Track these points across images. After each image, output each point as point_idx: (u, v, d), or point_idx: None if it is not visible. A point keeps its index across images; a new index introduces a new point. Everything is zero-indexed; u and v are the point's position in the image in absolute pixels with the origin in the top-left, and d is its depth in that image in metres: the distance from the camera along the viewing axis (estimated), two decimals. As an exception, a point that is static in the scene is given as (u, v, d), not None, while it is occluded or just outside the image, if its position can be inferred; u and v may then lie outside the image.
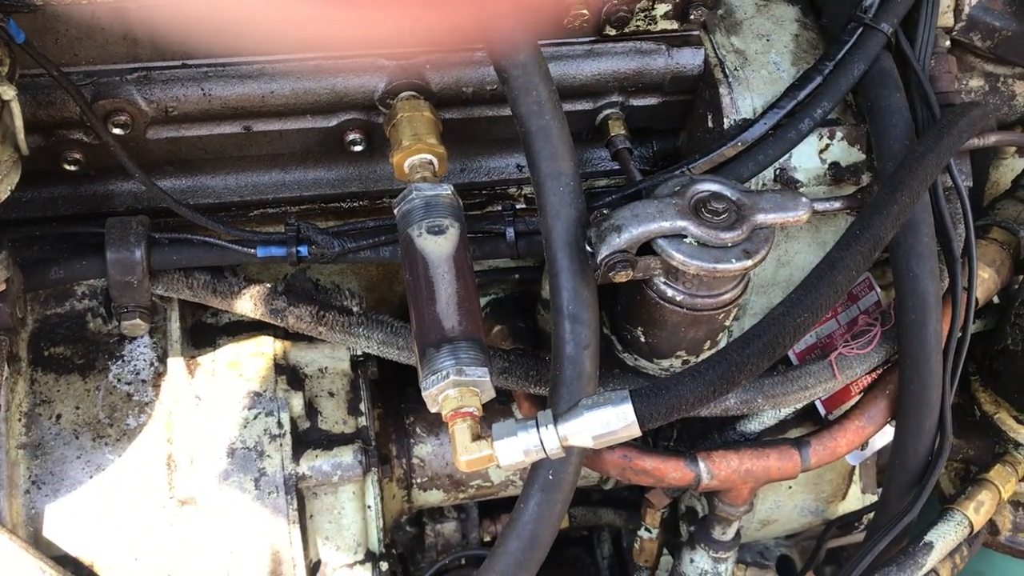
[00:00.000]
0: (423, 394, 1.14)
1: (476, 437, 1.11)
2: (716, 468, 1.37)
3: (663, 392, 1.07)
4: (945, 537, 1.46)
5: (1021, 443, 1.53)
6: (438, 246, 1.22)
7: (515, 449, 1.08)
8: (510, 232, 1.39)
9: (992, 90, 1.54)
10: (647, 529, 1.67)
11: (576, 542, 2.27)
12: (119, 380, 1.42)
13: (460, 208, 1.27)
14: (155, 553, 1.36)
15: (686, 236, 1.20)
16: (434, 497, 1.62)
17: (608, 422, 1.07)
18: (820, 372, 1.40)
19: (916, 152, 1.25)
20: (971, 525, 1.48)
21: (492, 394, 1.15)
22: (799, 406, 1.48)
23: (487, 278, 1.62)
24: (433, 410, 1.15)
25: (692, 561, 1.55)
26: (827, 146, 1.42)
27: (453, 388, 1.12)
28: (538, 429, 1.08)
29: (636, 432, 1.07)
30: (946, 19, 1.46)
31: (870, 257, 1.15)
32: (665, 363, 1.38)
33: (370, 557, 1.46)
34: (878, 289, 1.53)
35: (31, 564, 1.25)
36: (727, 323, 1.33)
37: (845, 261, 1.13)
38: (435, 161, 1.31)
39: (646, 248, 1.21)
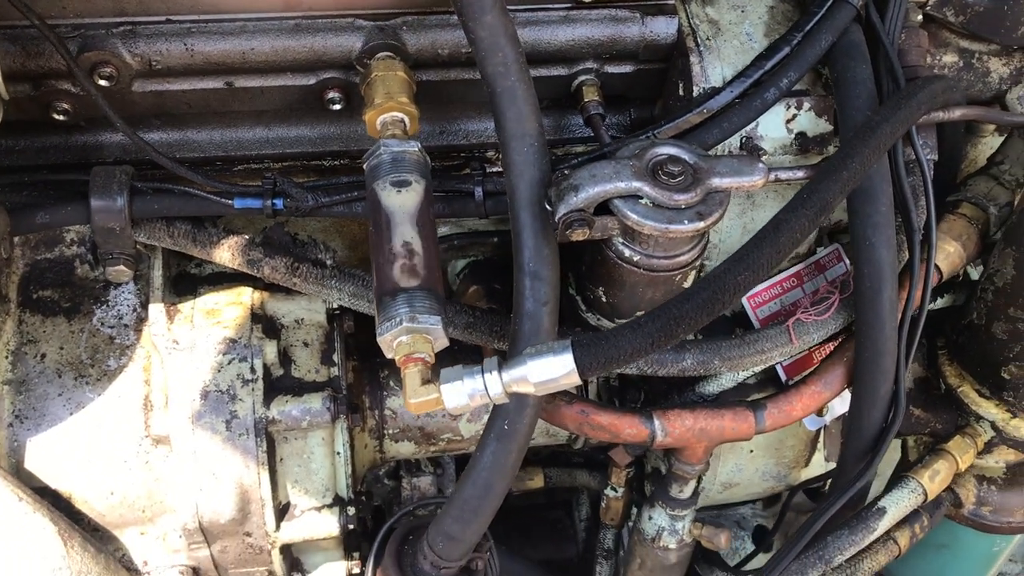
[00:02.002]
0: (378, 339, 1.18)
1: (425, 381, 1.15)
2: (671, 426, 1.41)
3: (603, 342, 1.11)
4: (898, 503, 1.49)
5: (982, 416, 1.56)
6: (401, 200, 1.26)
7: (460, 392, 1.13)
8: (478, 191, 1.43)
9: (966, 66, 1.55)
10: (613, 488, 1.71)
11: (558, 505, 2.32)
12: (102, 324, 1.48)
13: (426, 165, 1.31)
14: (130, 488, 1.43)
15: (642, 197, 1.23)
16: (405, 448, 1.67)
17: (550, 369, 1.11)
18: (777, 337, 1.42)
19: (872, 120, 1.27)
20: (925, 493, 1.51)
21: (445, 342, 1.19)
22: (757, 369, 1.51)
23: (466, 240, 1.66)
24: (388, 355, 1.20)
25: (651, 518, 1.59)
26: (794, 116, 1.44)
27: (406, 335, 1.17)
28: (483, 375, 1.13)
29: (576, 380, 1.11)
30: (919, -7, 1.47)
31: (816, 220, 1.18)
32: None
33: (338, 502, 1.51)
34: (846, 261, 1.55)
35: (8, 492, 1.31)
36: (685, 284, 1.37)
37: (790, 223, 1.16)
38: (406, 119, 1.35)
39: (604, 208, 1.25)
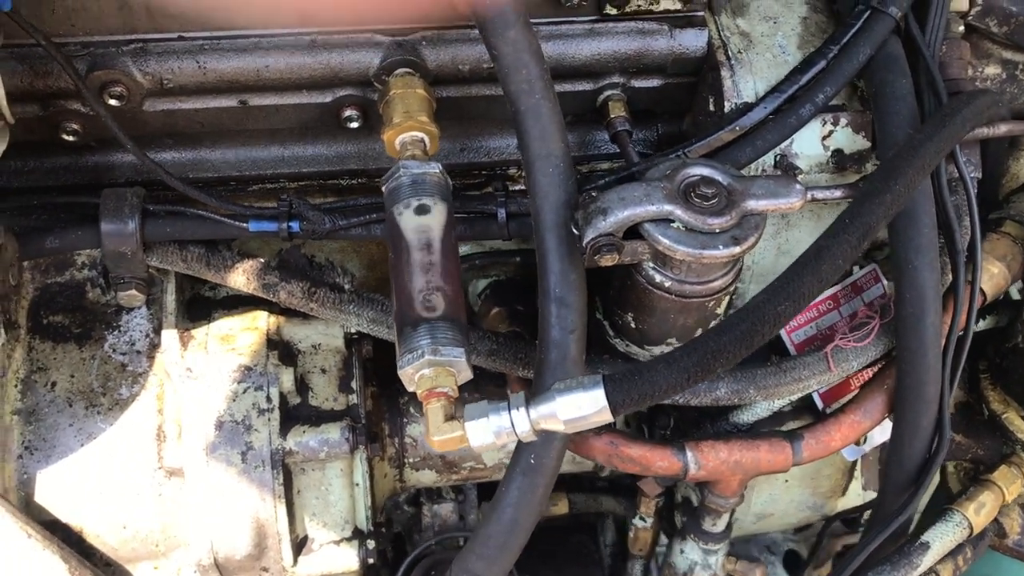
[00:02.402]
0: (399, 372, 1.13)
1: (449, 417, 1.10)
2: (704, 458, 1.35)
3: (636, 378, 1.05)
4: (943, 538, 1.43)
5: (1029, 444, 1.49)
6: (422, 224, 1.21)
7: (486, 430, 1.07)
8: (501, 213, 1.38)
9: (1010, 78, 1.48)
10: (642, 518, 1.65)
11: (582, 529, 2.26)
12: (114, 350, 1.44)
13: (448, 187, 1.26)
14: (143, 521, 1.38)
15: (674, 221, 1.18)
16: (426, 477, 1.62)
17: (580, 406, 1.05)
18: (815, 364, 1.36)
19: (915, 139, 1.21)
20: (971, 527, 1.44)
21: (469, 375, 1.14)
22: (793, 398, 1.45)
23: (487, 260, 1.60)
24: (410, 389, 1.14)
25: (682, 552, 1.53)
26: (830, 132, 1.38)
27: (428, 368, 1.12)
28: (509, 411, 1.07)
29: (608, 418, 1.06)
30: (960, 3, 1.41)
31: (859, 246, 1.12)
32: (656, 350, 1.36)
33: (357, 534, 1.46)
34: (884, 281, 1.49)
35: (16, 529, 1.26)
36: (719, 311, 1.31)
37: (832, 250, 1.10)
38: (426, 139, 1.30)
39: (634, 232, 1.19)
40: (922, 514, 1.43)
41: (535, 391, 1.19)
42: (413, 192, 1.23)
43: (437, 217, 1.22)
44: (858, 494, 1.65)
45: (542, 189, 1.21)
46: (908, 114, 1.30)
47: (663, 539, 1.75)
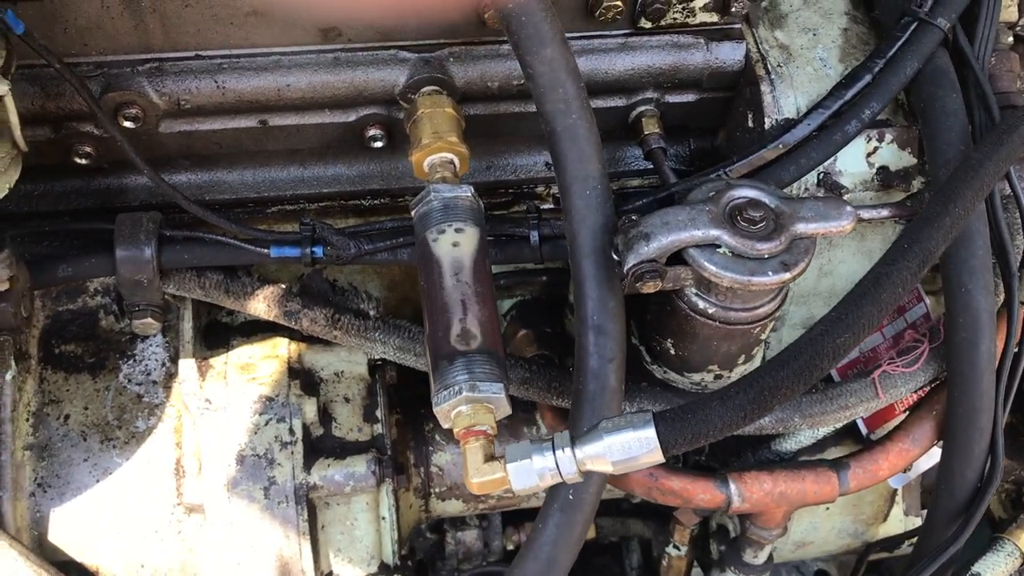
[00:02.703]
0: (435, 409, 1.08)
1: (489, 458, 1.05)
2: (748, 491, 1.29)
3: (689, 416, 1.00)
4: (994, 569, 1.37)
5: (1078, 468, 1.43)
6: (455, 251, 1.15)
7: (529, 473, 1.02)
8: (534, 236, 1.32)
9: (1058, 90, 1.43)
10: (676, 546, 1.59)
11: (605, 550, 2.20)
12: (129, 380, 1.38)
13: (480, 211, 1.21)
14: (161, 560, 1.33)
15: (719, 246, 1.12)
16: (453, 507, 1.56)
17: (629, 447, 1.00)
18: (862, 391, 1.31)
19: (972, 159, 1.15)
20: (1022, 556, 1.39)
21: (508, 411, 1.09)
22: (838, 425, 1.39)
23: (512, 280, 1.55)
24: (445, 426, 1.09)
25: (721, 584, 1.48)
26: (875, 149, 1.33)
27: (466, 404, 1.06)
28: (554, 452, 1.02)
29: (659, 459, 1.00)
30: (1009, 13, 1.36)
31: (918, 273, 1.06)
32: (696, 377, 1.30)
33: (384, 569, 1.41)
34: (927, 300, 1.43)
35: (30, 572, 1.21)
36: (763, 337, 1.25)
37: (891, 278, 1.04)
38: (456, 160, 1.25)
39: (677, 257, 1.14)
40: (962, 546, 1.37)
41: (575, 425, 1.14)
42: (445, 217, 1.17)
43: (470, 243, 1.16)
44: (900, 520, 1.60)
45: (579, 213, 1.16)
46: (960, 130, 1.25)
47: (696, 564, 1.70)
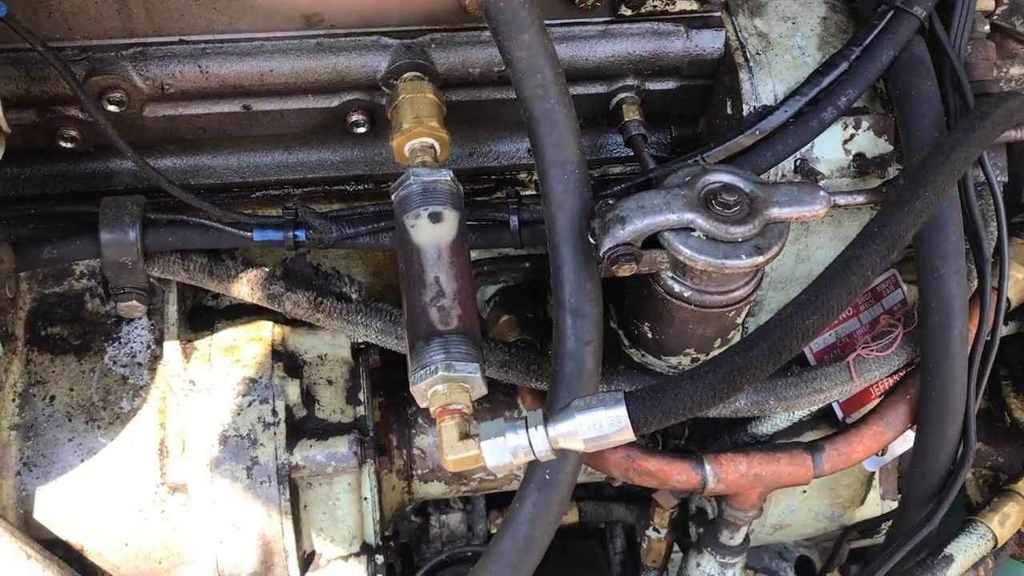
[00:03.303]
0: (411, 388, 1.10)
1: (464, 436, 1.06)
2: (723, 472, 1.31)
3: (660, 395, 1.01)
4: (967, 550, 1.39)
5: (1052, 453, 1.46)
6: (434, 234, 1.17)
7: (503, 450, 1.03)
8: (514, 221, 1.34)
9: (1035, 79, 1.45)
10: (655, 529, 1.61)
11: (590, 535, 2.22)
12: (115, 362, 1.40)
13: (460, 195, 1.22)
14: (145, 539, 1.34)
15: (694, 229, 1.14)
16: (435, 489, 1.58)
17: (600, 425, 1.02)
18: (837, 374, 1.33)
19: (944, 144, 1.17)
20: (995, 539, 1.41)
21: (484, 390, 1.10)
22: (814, 408, 1.41)
23: (496, 266, 1.56)
24: (422, 405, 1.11)
25: (699, 565, 1.49)
26: (852, 136, 1.34)
27: (442, 384, 1.08)
28: (527, 430, 1.04)
29: (630, 436, 1.02)
30: (986, 2, 1.37)
31: (888, 256, 1.08)
32: (674, 360, 1.32)
33: (366, 549, 1.42)
34: (904, 287, 1.45)
35: (15, 548, 1.22)
36: (739, 320, 1.27)
37: (860, 260, 1.06)
38: (436, 145, 1.26)
39: (653, 241, 1.15)
40: (941, 525, 1.39)
41: (551, 406, 1.15)
42: (424, 201, 1.19)
43: (449, 226, 1.18)
44: (876, 504, 1.62)
45: (557, 197, 1.17)
46: (934, 117, 1.26)
47: (675, 549, 1.72)
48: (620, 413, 1.01)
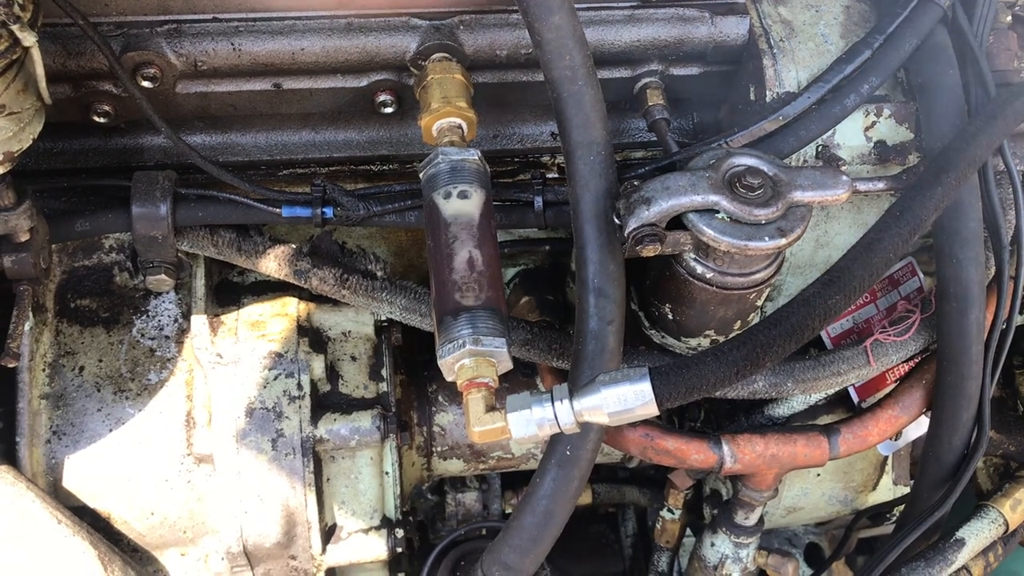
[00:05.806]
0: (439, 362, 1.12)
1: (490, 408, 1.09)
2: (740, 452, 1.33)
3: (684, 371, 1.03)
4: (978, 535, 1.41)
5: (1064, 441, 1.47)
6: (461, 212, 1.19)
7: (528, 422, 1.06)
8: (538, 201, 1.36)
9: (1055, 70, 1.46)
10: (669, 510, 1.63)
11: (601, 518, 2.24)
12: (143, 335, 1.42)
13: (486, 174, 1.24)
14: (171, 508, 1.37)
15: (718, 211, 1.16)
16: (454, 466, 1.60)
17: (625, 399, 1.04)
18: (854, 358, 1.35)
19: (966, 132, 1.19)
20: (1006, 523, 1.43)
21: (509, 365, 1.12)
22: (830, 392, 1.43)
23: (516, 248, 1.59)
24: (449, 379, 1.13)
25: (713, 545, 1.52)
26: (873, 123, 1.36)
27: (469, 357, 1.10)
28: (553, 403, 1.06)
29: (654, 411, 1.04)
30: (1008, -7, 1.38)
31: (909, 240, 1.10)
32: (693, 342, 1.34)
33: (386, 523, 1.45)
34: (921, 275, 1.47)
35: (46, 514, 1.25)
36: (759, 303, 1.29)
37: (883, 243, 1.08)
38: (464, 125, 1.28)
39: (677, 222, 1.17)
40: (951, 511, 1.41)
41: (574, 382, 1.17)
42: (452, 179, 1.21)
43: (476, 204, 1.20)
44: (889, 488, 1.64)
45: (583, 178, 1.19)
46: (955, 106, 1.28)
47: (688, 533, 1.74)
48: (644, 387, 1.03)
